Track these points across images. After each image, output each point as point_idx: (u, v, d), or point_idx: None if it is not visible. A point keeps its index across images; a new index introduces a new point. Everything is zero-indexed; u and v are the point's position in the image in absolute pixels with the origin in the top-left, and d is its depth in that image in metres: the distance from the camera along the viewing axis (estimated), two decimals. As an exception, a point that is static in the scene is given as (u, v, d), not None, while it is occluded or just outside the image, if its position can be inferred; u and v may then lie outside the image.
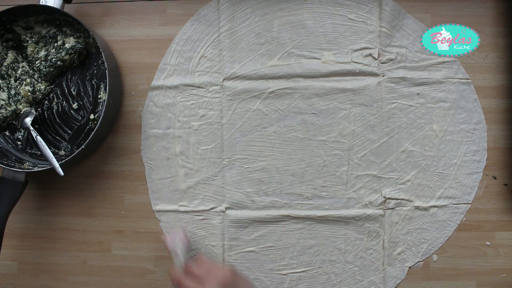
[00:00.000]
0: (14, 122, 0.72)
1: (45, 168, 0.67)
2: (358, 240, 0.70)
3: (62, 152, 0.72)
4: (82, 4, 0.73)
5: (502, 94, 0.70)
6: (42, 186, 0.74)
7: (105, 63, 0.66)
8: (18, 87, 0.71)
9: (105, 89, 0.70)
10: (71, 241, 0.73)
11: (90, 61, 0.72)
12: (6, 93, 0.71)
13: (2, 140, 0.73)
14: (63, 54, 0.69)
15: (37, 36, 0.71)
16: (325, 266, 0.70)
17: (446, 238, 0.70)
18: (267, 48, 0.71)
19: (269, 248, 0.71)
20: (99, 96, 0.71)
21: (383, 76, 0.70)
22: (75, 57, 0.70)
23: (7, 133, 0.73)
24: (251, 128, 0.71)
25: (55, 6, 0.67)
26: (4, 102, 0.70)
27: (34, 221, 0.74)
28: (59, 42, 0.70)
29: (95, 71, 0.71)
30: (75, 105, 0.72)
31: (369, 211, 0.70)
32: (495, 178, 0.70)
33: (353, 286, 0.70)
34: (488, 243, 0.70)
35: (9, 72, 0.71)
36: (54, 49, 0.70)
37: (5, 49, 0.71)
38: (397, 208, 0.70)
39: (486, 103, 0.70)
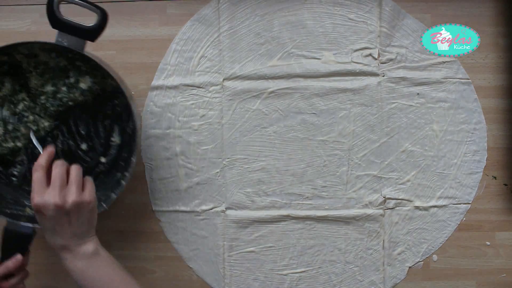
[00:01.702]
0: (9, 157, 0.63)
1: None
2: (358, 240, 0.70)
3: None
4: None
5: (502, 94, 0.70)
6: (42, 186, 0.74)
7: (134, 123, 0.58)
8: (18, 123, 0.62)
9: (119, 132, 0.64)
10: (71, 241, 0.73)
11: (103, 99, 0.63)
12: (1, 128, 0.62)
13: None
14: (76, 94, 0.61)
15: (42, 66, 0.61)
16: (325, 266, 0.70)
17: (446, 238, 0.70)
18: (267, 48, 0.71)
19: (269, 248, 0.71)
20: (111, 139, 0.64)
21: (383, 76, 0.70)
22: (90, 98, 0.62)
23: None
24: (251, 128, 0.71)
25: (71, 47, 0.54)
26: None
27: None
28: (72, 80, 0.61)
29: (108, 112, 0.64)
30: (83, 146, 0.64)
31: (369, 211, 0.70)
32: (495, 178, 0.70)
33: (353, 286, 0.70)
34: (488, 243, 0.70)
35: (5, 105, 0.61)
36: (65, 87, 0.61)
37: (0, 76, 0.61)
38: (397, 208, 0.70)
39: (486, 103, 0.70)
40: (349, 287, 0.70)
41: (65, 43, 0.54)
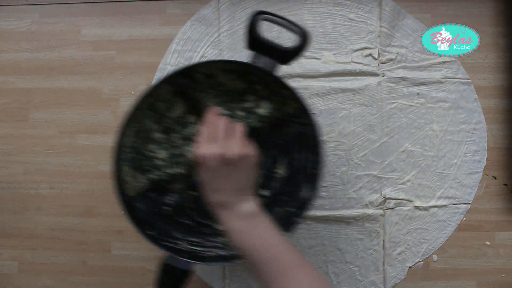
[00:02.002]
0: (165, 184, 0.59)
1: (211, 253, 0.55)
2: (358, 240, 0.70)
3: (219, 226, 0.57)
4: (83, 4, 0.73)
5: (502, 94, 0.70)
6: (42, 186, 0.74)
7: (321, 151, 0.52)
8: (185, 147, 0.56)
9: (287, 164, 0.59)
10: (71, 241, 0.73)
11: (273, 127, 0.58)
12: (167, 152, 0.57)
13: (143, 203, 0.56)
14: (254, 120, 0.56)
15: (220, 88, 0.55)
16: (325, 266, 0.70)
17: (446, 238, 0.70)
18: (267, 48, 0.71)
19: (269, 248, 0.71)
20: (274, 171, 0.60)
21: (383, 76, 0.70)
22: (266, 125, 0.57)
23: (151, 193, 0.58)
24: (251, 128, 0.71)
25: (266, 68, 0.50)
26: (163, 163, 0.57)
27: (34, 221, 0.74)
28: (250, 105, 0.56)
29: (278, 141, 0.59)
30: None
31: (369, 211, 0.70)
32: (495, 178, 0.70)
33: (353, 286, 0.70)
34: (488, 243, 0.70)
35: (175, 127, 0.57)
36: (242, 111, 0.56)
37: (173, 96, 0.55)
38: (397, 208, 0.70)
39: (486, 103, 0.70)
40: (349, 287, 0.70)
41: (260, 65, 0.50)
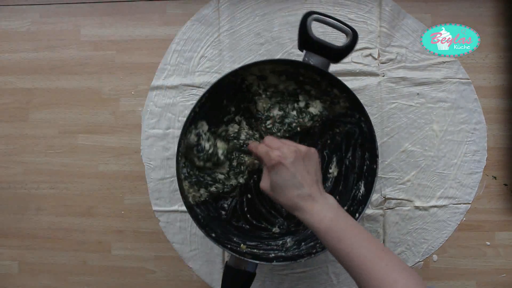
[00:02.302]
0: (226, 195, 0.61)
1: (271, 255, 0.56)
2: (358, 240, 0.70)
3: (276, 229, 0.61)
4: (83, 4, 0.73)
5: (502, 94, 0.70)
6: (42, 186, 0.74)
7: (376, 151, 0.54)
8: (242, 155, 0.59)
9: (337, 163, 0.60)
10: (71, 241, 0.73)
11: (323, 128, 0.60)
12: (227, 166, 0.59)
13: (201, 209, 0.57)
14: (305, 120, 0.58)
15: (272, 89, 0.58)
16: (325, 266, 0.70)
17: (446, 238, 0.70)
18: (267, 48, 0.71)
19: (269, 248, 0.71)
20: (329, 171, 0.62)
21: (383, 76, 0.70)
22: (318, 124, 0.59)
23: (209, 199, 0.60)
24: (251, 128, 0.71)
25: (318, 66, 0.52)
26: (223, 176, 0.59)
27: (34, 221, 0.74)
28: (301, 104, 0.58)
29: (328, 141, 0.61)
30: None
31: (369, 211, 0.70)
32: (495, 178, 0.70)
33: (353, 286, 0.70)
34: (488, 243, 0.70)
35: (233, 141, 0.59)
36: (294, 111, 0.58)
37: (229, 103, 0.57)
38: (397, 208, 0.70)
39: (486, 103, 0.70)
40: (349, 287, 0.70)
41: (311, 62, 0.51)
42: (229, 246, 0.55)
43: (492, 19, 0.70)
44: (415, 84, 0.70)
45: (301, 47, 0.53)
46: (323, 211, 0.48)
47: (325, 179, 0.63)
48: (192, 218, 0.53)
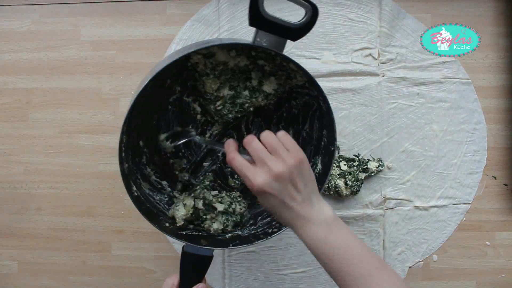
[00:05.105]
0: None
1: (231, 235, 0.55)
2: (358, 240, 0.70)
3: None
4: (83, 4, 0.73)
5: (502, 94, 0.70)
6: (42, 186, 0.74)
7: (332, 120, 0.49)
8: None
9: (294, 136, 0.57)
10: (71, 241, 0.73)
11: (279, 101, 0.57)
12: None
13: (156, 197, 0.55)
14: (259, 99, 0.53)
15: (221, 67, 0.52)
16: (325, 266, 0.70)
17: (446, 238, 0.70)
18: (267, 48, 0.70)
19: (269, 248, 0.71)
20: None
21: (383, 76, 0.70)
22: (272, 102, 0.54)
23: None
24: (251, 128, 0.71)
25: (270, 47, 0.45)
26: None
27: (34, 221, 0.74)
28: (254, 83, 0.53)
29: (284, 114, 0.58)
30: None
31: (369, 211, 0.70)
32: (495, 178, 0.70)
33: (353, 286, 0.70)
34: (488, 243, 0.70)
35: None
36: (246, 90, 0.53)
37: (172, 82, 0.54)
38: (397, 208, 0.70)
39: (486, 103, 0.70)
40: (349, 287, 0.70)
41: (264, 44, 0.45)
42: (184, 232, 0.54)
43: (492, 19, 0.70)
44: (415, 84, 0.70)
45: (251, 24, 0.46)
46: (314, 228, 0.46)
47: None
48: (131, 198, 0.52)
